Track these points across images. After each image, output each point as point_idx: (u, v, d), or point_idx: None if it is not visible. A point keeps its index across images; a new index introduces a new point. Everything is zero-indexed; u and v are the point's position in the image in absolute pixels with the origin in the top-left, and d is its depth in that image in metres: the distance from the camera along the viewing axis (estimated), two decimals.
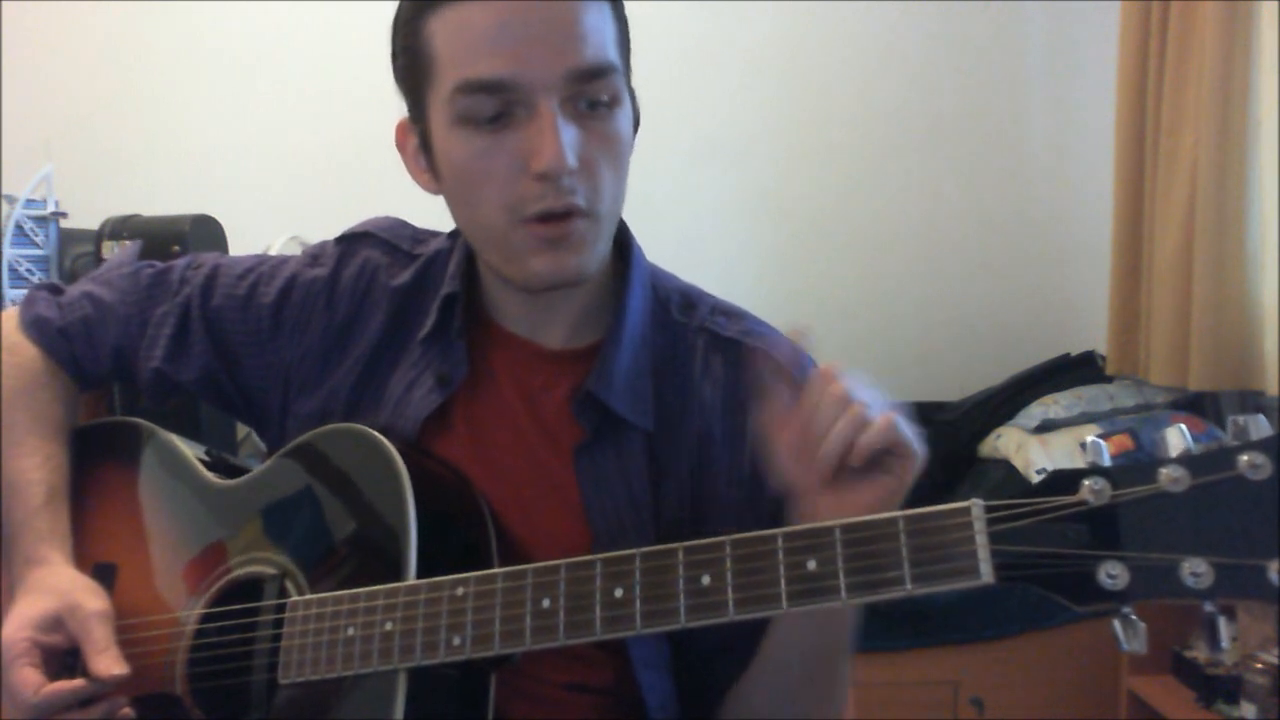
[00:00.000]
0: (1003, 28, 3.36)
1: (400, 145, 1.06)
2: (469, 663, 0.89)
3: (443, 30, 0.95)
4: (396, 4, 1.02)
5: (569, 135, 0.93)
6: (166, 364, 1.15)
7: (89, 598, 1.02)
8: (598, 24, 0.95)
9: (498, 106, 0.93)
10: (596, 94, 0.95)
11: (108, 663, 0.98)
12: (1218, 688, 2.30)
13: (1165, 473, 0.70)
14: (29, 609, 1.01)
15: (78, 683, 0.98)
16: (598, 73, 0.94)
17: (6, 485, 1.09)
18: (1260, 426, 0.68)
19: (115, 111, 3.31)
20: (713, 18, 3.34)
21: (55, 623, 1.01)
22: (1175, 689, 2.43)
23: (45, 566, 1.05)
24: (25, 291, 1.20)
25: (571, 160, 0.92)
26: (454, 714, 0.93)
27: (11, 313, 1.19)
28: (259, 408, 1.16)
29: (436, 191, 1.04)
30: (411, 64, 0.99)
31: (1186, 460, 0.69)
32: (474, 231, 1.02)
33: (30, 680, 0.97)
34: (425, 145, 1.02)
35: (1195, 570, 0.68)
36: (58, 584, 1.03)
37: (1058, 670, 2.56)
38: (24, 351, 1.16)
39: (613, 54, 0.96)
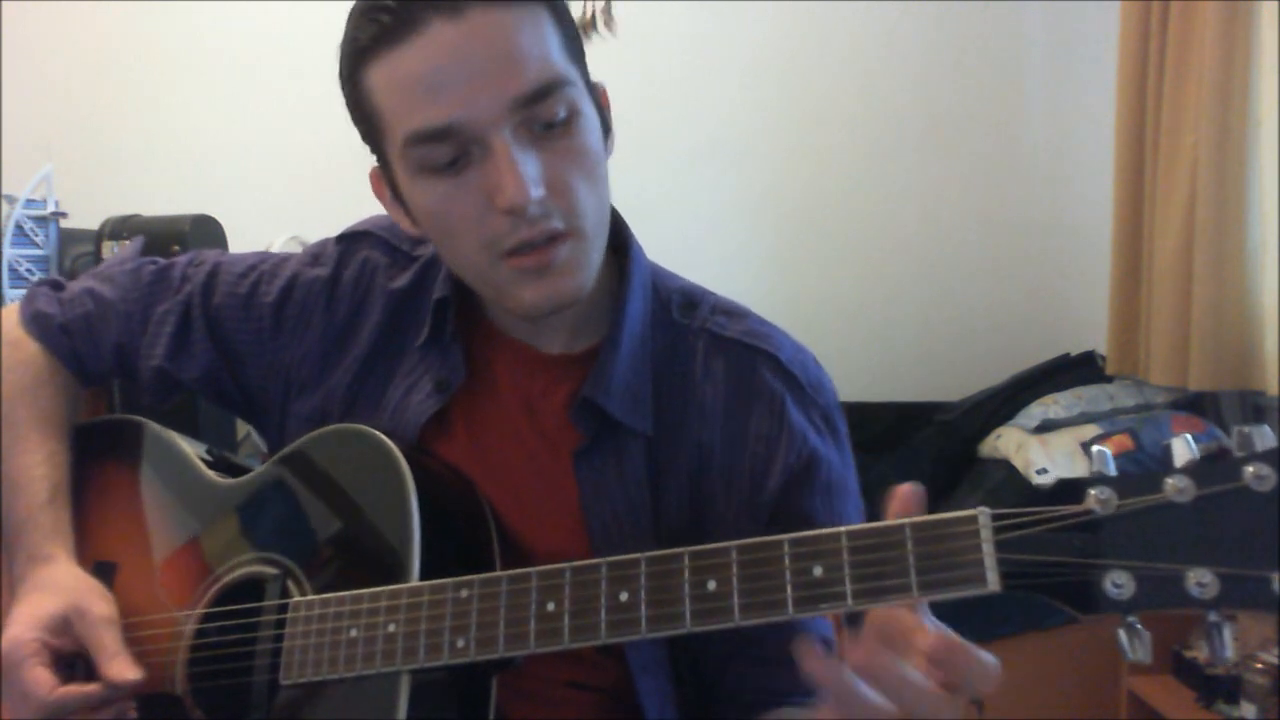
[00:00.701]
0: (1003, 28, 3.36)
1: (377, 194, 1.05)
2: (471, 665, 0.89)
3: (380, 84, 0.92)
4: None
5: (528, 165, 0.90)
6: (168, 362, 1.15)
7: (95, 601, 1.02)
8: (535, 39, 0.91)
9: (451, 151, 0.91)
10: (551, 114, 0.91)
11: (121, 667, 0.99)
12: (1218, 688, 2.30)
13: (1171, 483, 0.69)
14: (36, 608, 1.01)
15: (92, 687, 0.98)
16: (545, 92, 0.91)
17: (9, 482, 1.09)
18: (1265, 437, 0.68)
19: (115, 111, 3.30)
20: (713, 18, 3.34)
21: (63, 625, 1.01)
22: (1175, 689, 2.43)
23: (50, 564, 1.05)
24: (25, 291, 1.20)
25: (534, 191, 0.90)
26: (456, 716, 0.93)
27: (12, 308, 1.19)
28: (260, 407, 1.16)
29: (420, 235, 1.03)
30: (361, 120, 0.97)
31: (1192, 471, 0.69)
32: (461, 271, 1.01)
33: (45, 681, 0.97)
34: (397, 194, 1.01)
35: (1201, 580, 0.68)
36: (63, 583, 1.03)
37: (1058, 670, 2.56)
38: (25, 348, 1.16)
39: (559, 66, 0.92)
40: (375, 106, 0.94)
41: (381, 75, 0.92)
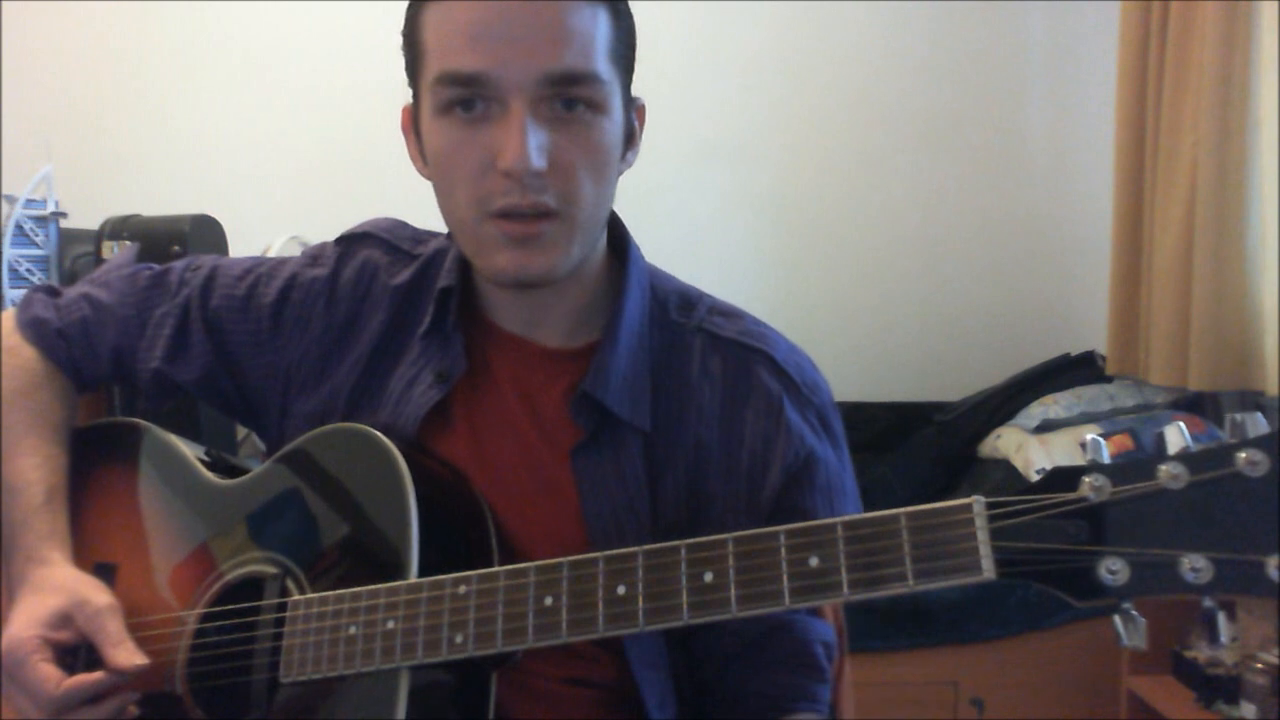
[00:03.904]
0: (1003, 28, 3.36)
1: (404, 129, 1.08)
2: (470, 661, 0.90)
3: (431, 22, 0.97)
4: (394, 4, 1.04)
5: (538, 138, 0.93)
6: (166, 364, 1.15)
7: (95, 593, 1.02)
8: (585, 28, 0.95)
9: (473, 101, 0.95)
10: (574, 98, 0.95)
11: (127, 654, 0.98)
12: (1218, 688, 2.30)
13: (1165, 470, 0.70)
14: (35, 608, 1.01)
15: (98, 675, 0.98)
16: (575, 79, 0.94)
17: (6, 486, 1.09)
18: (1258, 424, 0.68)
19: (115, 111, 3.31)
20: (713, 18, 3.35)
21: (63, 619, 1.01)
22: (1175, 689, 2.42)
23: (47, 566, 1.05)
24: (25, 291, 1.20)
25: (537, 162, 0.93)
26: (455, 713, 0.93)
27: (8, 315, 1.19)
28: (258, 408, 1.16)
29: (429, 177, 1.05)
30: (409, 53, 1.01)
31: (1186, 457, 0.70)
32: (450, 222, 1.03)
33: (50, 675, 0.97)
34: (418, 131, 1.03)
35: (1195, 566, 0.68)
36: (62, 582, 1.03)
37: (1058, 670, 2.56)
38: (23, 353, 1.16)
39: (598, 62, 0.96)
40: (423, 41, 0.98)
41: (437, 13, 0.97)
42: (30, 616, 1.00)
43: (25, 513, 1.08)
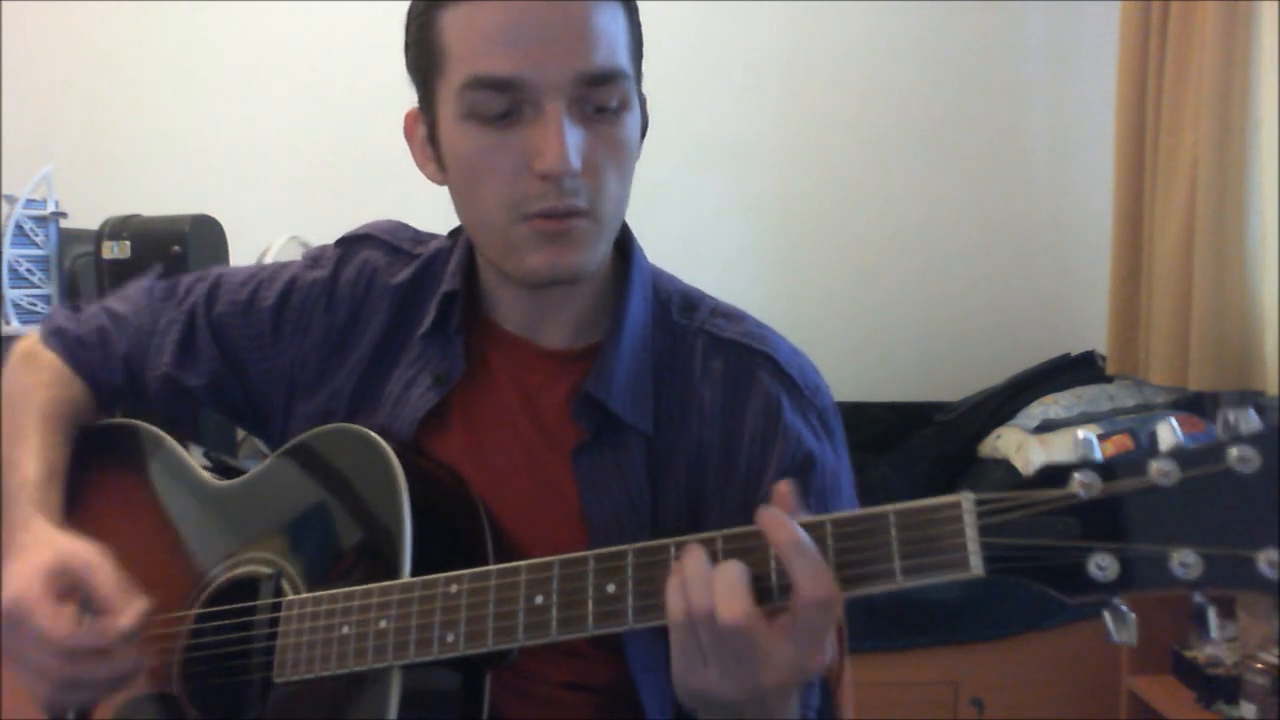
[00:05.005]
0: (1003, 28, 3.36)
1: (408, 134, 1.06)
2: (464, 660, 0.90)
3: (455, 25, 0.95)
4: (394, 4, 1.02)
5: (574, 138, 0.93)
6: (175, 369, 1.15)
7: (82, 547, 1.00)
8: (610, 28, 0.95)
9: (506, 104, 0.94)
10: (605, 99, 0.95)
11: (130, 601, 0.96)
12: (1218, 688, 2.30)
13: (1155, 466, 0.70)
14: (29, 562, 0.99)
15: (116, 622, 0.95)
16: (607, 77, 0.94)
17: (7, 462, 1.10)
18: (1250, 421, 0.68)
19: (115, 111, 3.32)
20: (714, 19, 3.35)
21: (59, 571, 0.98)
22: (1175, 689, 2.43)
23: (33, 527, 1.03)
24: (25, 291, 1.21)
25: (575, 163, 0.93)
26: (449, 712, 0.93)
27: (33, 330, 1.22)
28: (264, 412, 1.17)
29: (441, 182, 1.04)
30: (423, 56, 0.99)
31: (1176, 454, 0.70)
32: (475, 226, 1.02)
33: (65, 615, 0.94)
34: (433, 136, 1.02)
35: (1184, 561, 0.68)
36: (49, 538, 1.02)
37: (1058, 670, 2.56)
38: (44, 357, 1.18)
39: (623, 59, 0.96)
40: (443, 45, 0.96)
41: (460, 17, 0.95)
42: (27, 572, 0.98)
43: (21, 485, 1.08)
